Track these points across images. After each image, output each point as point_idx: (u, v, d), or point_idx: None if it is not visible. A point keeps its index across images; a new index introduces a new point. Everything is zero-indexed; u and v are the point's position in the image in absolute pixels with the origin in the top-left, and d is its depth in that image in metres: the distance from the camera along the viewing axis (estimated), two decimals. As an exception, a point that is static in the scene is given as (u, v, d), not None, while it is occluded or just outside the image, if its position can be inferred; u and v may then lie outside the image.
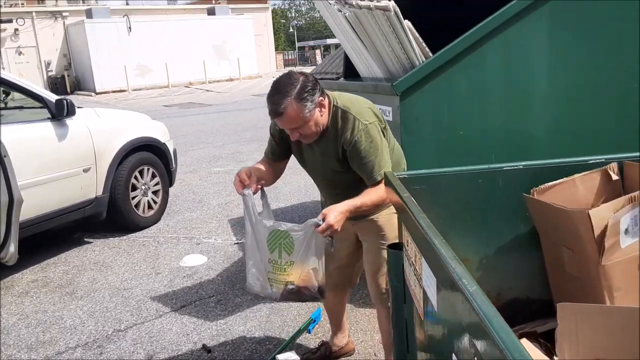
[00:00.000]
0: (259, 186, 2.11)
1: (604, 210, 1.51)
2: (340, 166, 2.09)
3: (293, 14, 62.17)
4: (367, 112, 2.06)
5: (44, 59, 24.83)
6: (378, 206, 2.08)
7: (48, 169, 3.96)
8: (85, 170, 4.24)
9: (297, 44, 54.75)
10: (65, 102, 4.07)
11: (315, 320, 3.00)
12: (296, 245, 2.02)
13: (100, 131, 4.41)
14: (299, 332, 2.91)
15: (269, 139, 2.32)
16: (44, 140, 4.00)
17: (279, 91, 1.92)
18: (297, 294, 2.06)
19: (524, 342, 1.53)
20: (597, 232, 1.49)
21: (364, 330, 2.95)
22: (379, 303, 2.30)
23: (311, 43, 52.43)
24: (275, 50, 34.31)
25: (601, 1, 2.86)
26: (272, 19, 36.24)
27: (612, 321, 1.17)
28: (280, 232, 2.04)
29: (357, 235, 2.31)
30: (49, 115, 4.07)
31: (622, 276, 1.54)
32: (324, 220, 1.93)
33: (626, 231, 1.51)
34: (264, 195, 2.18)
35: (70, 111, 4.11)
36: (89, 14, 24.37)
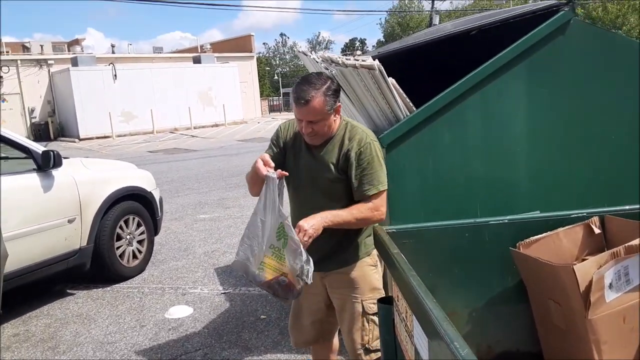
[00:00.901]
0: (285, 173, 2.05)
1: (588, 265, 1.55)
2: (336, 173, 2.12)
3: (277, 62, 63.52)
4: (373, 134, 2.20)
5: (28, 106, 24.82)
6: (360, 223, 2.09)
7: (33, 221, 3.92)
8: (70, 221, 4.21)
9: (282, 90, 55.63)
10: (52, 153, 4.08)
11: (303, 374, 2.96)
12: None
13: (86, 181, 4.41)
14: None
15: (268, 147, 2.30)
16: (29, 191, 3.98)
17: (308, 82, 2.02)
18: (284, 289, 2.02)
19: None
20: (582, 286, 1.54)
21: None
22: (355, 359, 2.27)
23: (295, 89, 53.22)
24: (260, 97, 34.78)
25: (578, 61, 3.01)
26: (257, 66, 36.92)
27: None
28: (289, 234, 2.01)
29: (325, 289, 2.29)
30: (35, 166, 4.06)
31: (609, 329, 1.58)
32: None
33: (610, 285, 1.56)
34: (282, 185, 2.09)
35: (57, 162, 4.12)
36: (74, 62, 24.58)
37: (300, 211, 2.21)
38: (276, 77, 58.07)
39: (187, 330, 3.67)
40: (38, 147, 4.16)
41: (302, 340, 2.48)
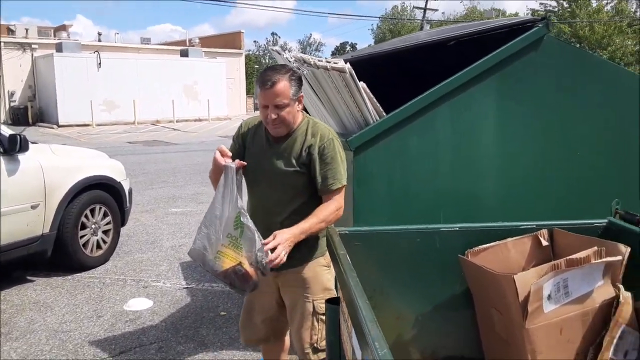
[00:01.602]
0: (244, 163, 2.10)
1: (529, 276, 1.57)
2: (296, 167, 2.14)
3: (267, 60, 63.40)
4: (333, 131, 2.23)
5: (8, 89, 24.37)
6: (328, 222, 2.09)
7: (-6, 204, 3.84)
8: (33, 207, 4.13)
9: (269, 90, 55.44)
10: (18, 137, 4.01)
11: (257, 372, 2.94)
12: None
13: (53, 168, 4.34)
14: (239, 385, 2.84)
15: (230, 146, 2.30)
16: (-8, 173, 3.90)
17: (272, 69, 2.09)
18: (241, 279, 2.01)
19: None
20: (521, 296, 1.55)
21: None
22: (303, 358, 2.26)
23: (282, 89, 53.18)
24: (247, 94, 34.65)
25: (549, 76, 3.05)
26: (246, 64, 36.78)
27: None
28: (245, 222, 2.02)
29: (277, 287, 2.30)
30: (0, 150, 3.98)
31: (545, 340, 1.59)
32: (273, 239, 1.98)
33: (549, 297, 1.58)
34: (240, 176, 2.11)
35: (23, 147, 4.05)
36: (59, 47, 24.22)
37: (259, 205, 2.23)
38: (264, 76, 57.93)
39: (144, 323, 3.62)
40: (5, 131, 4.09)
41: (253, 338, 2.47)
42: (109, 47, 27.32)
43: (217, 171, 2.12)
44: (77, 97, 23.28)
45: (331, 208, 2.10)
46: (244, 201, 2.16)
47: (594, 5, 29.83)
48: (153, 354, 3.18)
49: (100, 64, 24.18)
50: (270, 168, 2.17)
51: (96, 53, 24.32)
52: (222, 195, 2.07)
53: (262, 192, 2.23)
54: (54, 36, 29.66)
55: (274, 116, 2.07)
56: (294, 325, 2.26)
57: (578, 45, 26.34)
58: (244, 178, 2.20)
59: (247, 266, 2.00)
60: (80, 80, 23.55)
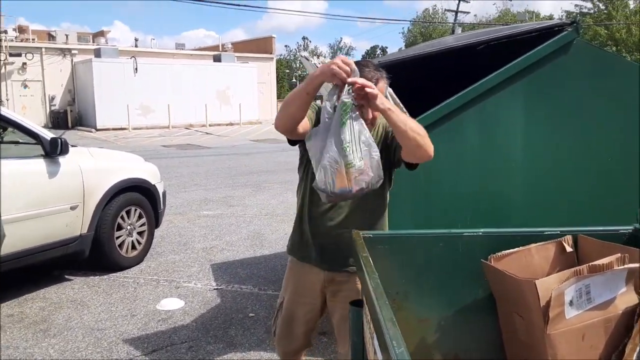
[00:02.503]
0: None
1: (551, 281, 1.58)
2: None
3: (297, 65, 63.78)
4: None
5: (49, 94, 25.24)
6: (419, 134, 1.85)
7: (36, 205, 4.02)
8: (72, 208, 4.31)
9: (300, 93, 55.76)
10: (59, 140, 4.19)
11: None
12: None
13: (92, 170, 4.51)
14: (266, 384, 2.90)
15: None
16: (34, 176, 4.08)
17: (373, 68, 2.03)
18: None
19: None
20: (543, 301, 1.56)
21: (332, 385, 2.95)
22: None
23: (313, 93, 53.38)
24: (278, 98, 34.98)
25: (578, 81, 3.03)
26: (277, 68, 37.13)
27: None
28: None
29: (323, 298, 2.23)
30: (43, 152, 4.17)
31: (567, 346, 1.60)
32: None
33: (570, 303, 1.58)
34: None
35: (64, 150, 4.22)
36: (97, 53, 24.97)
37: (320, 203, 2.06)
38: (294, 80, 58.31)
39: (175, 322, 3.73)
40: (47, 134, 4.27)
41: (292, 350, 2.39)
42: (145, 52, 28.02)
43: (316, 87, 1.85)
44: (114, 101, 23.95)
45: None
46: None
47: (632, 6, 28.97)
48: (184, 353, 3.28)
49: (136, 69, 24.82)
50: None
51: (133, 58, 24.97)
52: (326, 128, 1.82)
53: None
54: (93, 42, 30.62)
55: (370, 116, 2.00)
56: (345, 337, 2.09)
57: (614, 49, 25.62)
58: (308, 159, 2.03)
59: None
60: (117, 84, 24.22)
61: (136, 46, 30.75)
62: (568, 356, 1.59)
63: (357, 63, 1.91)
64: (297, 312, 2.30)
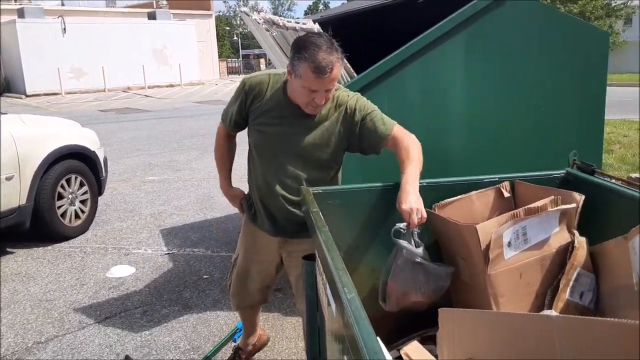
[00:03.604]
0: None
1: (490, 225, 1.68)
2: (332, 140, 2.04)
3: (238, 22, 61.94)
4: (350, 91, 2.13)
5: (-30, 58, 23.53)
6: (420, 154, 1.94)
7: (-33, 177, 3.81)
8: (7, 179, 4.11)
9: (242, 52, 54.53)
10: (-13, 108, 3.94)
11: (240, 330, 3.05)
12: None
13: (25, 138, 4.30)
14: (224, 341, 2.96)
15: (233, 109, 2.14)
16: (-38, 147, 3.85)
17: (326, 51, 1.84)
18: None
19: (415, 344, 1.67)
20: (483, 244, 1.66)
21: (289, 337, 3.04)
22: None
23: (256, 51, 52.37)
24: (219, 58, 34.03)
25: (515, 32, 3.11)
26: (217, 25, 35.94)
27: (483, 324, 1.32)
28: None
29: (279, 258, 2.30)
30: (-31, 121, 3.93)
31: (506, 284, 1.72)
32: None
33: (509, 244, 1.69)
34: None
35: (-8, 118, 3.99)
36: (21, 13, 23.32)
37: (271, 175, 2.11)
38: (236, 38, 56.73)
39: (127, 289, 3.70)
40: (-28, 102, 4.02)
41: (246, 305, 2.48)
42: (73, 11, 26.41)
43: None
44: (43, 65, 22.61)
45: (412, 142, 1.96)
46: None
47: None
48: (138, 318, 3.27)
49: (65, 29, 23.41)
50: (297, 140, 2.04)
51: (60, 18, 23.49)
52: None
53: (278, 162, 2.09)
54: (15, 1, 28.45)
55: (323, 101, 1.94)
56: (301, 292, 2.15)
57: (549, 0, 26.26)
58: (253, 140, 2.12)
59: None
60: (45, 47, 22.84)
61: (63, 5, 28.90)
62: (507, 294, 1.71)
63: (310, 42, 1.85)
64: (251, 269, 2.37)
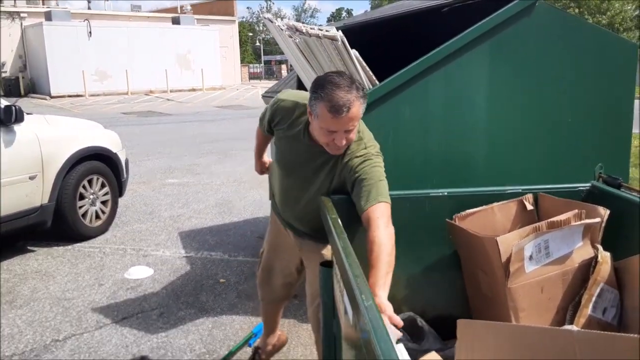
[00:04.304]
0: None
1: (511, 238, 1.65)
2: (329, 177, 1.99)
3: (261, 28, 62.42)
4: (374, 141, 2.01)
5: (-1, 60, 24.09)
6: (393, 248, 1.72)
7: (-8, 175, 3.89)
8: (31, 178, 4.18)
9: (264, 58, 54.90)
10: (13, 108, 4.03)
11: (256, 335, 3.05)
12: None
13: (49, 139, 4.37)
14: (239, 346, 2.96)
15: (266, 118, 2.20)
16: (-11, 145, 3.93)
17: (344, 89, 1.75)
18: None
19: (433, 355, 1.64)
20: (504, 257, 1.63)
21: (304, 344, 3.03)
22: (316, 331, 2.29)
23: (278, 57, 52.65)
24: (241, 63, 34.32)
25: (541, 43, 3.08)
26: (239, 31, 36.29)
27: (503, 337, 1.29)
28: None
29: (300, 259, 2.36)
30: (-3, 121, 4.01)
31: (527, 298, 1.69)
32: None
33: (530, 257, 1.66)
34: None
35: (19, 118, 4.07)
36: (48, 16, 23.85)
37: (283, 191, 2.21)
38: (258, 44, 57.19)
39: (145, 290, 3.73)
40: (1, 102, 4.10)
41: (271, 298, 2.57)
42: (99, 15, 26.89)
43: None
44: (68, 67, 23.06)
45: (380, 235, 1.69)
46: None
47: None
48: (155, 320, 3.29)
49: (90, 32, 23.85)
50: (306, 165, 2.03)
51: (86, 21, 23.95)
52: None
53: (289, 182, 2.14)
54: (43, 4, 29.11)
55: (343, 142, 1.82)
56: (310, 297, 2.26)
57: (577, 11, 25.99)
58: (275, 148, 2.23)
59: None
60: (70, 49, 23.29)
61: (89, 8, 29.45)
62: (528, 308, 1.68)
63: (328, 80, 1.78)
64: (275, 264, 2.47)
